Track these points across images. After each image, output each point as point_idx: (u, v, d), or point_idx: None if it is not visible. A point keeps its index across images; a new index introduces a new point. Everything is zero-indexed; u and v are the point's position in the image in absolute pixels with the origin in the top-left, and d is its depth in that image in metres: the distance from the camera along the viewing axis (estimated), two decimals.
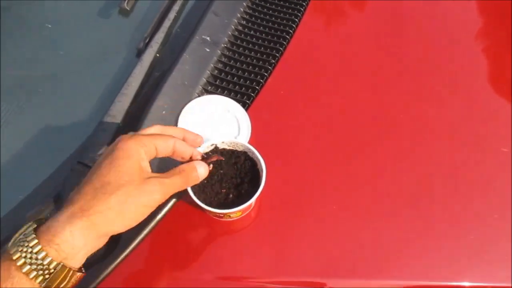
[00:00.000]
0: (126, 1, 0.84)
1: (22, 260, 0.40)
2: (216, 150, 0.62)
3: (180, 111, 0.70)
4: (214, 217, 0.62)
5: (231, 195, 0.59)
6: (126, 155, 0.46)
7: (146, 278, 0.59)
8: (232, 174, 0.61)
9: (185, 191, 0.56)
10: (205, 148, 0.61)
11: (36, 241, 0.40)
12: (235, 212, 0.57)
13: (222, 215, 0.59)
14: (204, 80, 0.76)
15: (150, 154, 0.49)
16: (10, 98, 0.74)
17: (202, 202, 0.56)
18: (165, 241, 0.61)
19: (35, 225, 0.42)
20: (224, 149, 0.62)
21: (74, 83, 0.78)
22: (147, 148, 0.48)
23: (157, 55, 0.77)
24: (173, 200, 0.63)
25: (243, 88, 0.76)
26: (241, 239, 0.62)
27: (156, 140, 0.49)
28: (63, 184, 0.60)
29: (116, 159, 0.45)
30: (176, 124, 0.69)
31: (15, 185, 0.64)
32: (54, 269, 0.40)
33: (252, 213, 0.64)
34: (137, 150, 0.47)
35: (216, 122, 0.71)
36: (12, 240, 0.42)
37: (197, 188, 0.58)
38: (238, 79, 0.77)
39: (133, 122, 0.68)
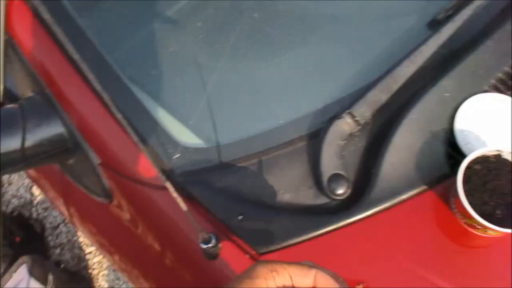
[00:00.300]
0: None
1: None
2: (498, 159, 0.54)
3: (464, 100, 0.64)
4: (465, 225, 0.56)
5: (498, 211, 0.52)
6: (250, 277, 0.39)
7: (373, 252, 0.57)
8: (507, 190, 0.52)
9: None
10: (486, 151, 0.54)
11: None
12: (497, 230, 0.50)
13: (480, 227, 0.52)
14: (500, 75, 0.66)
15: (280, 281, 0.39)
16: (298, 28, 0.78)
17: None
18: (403, 227, 0.58)
19: None
20: (507, 160, 0.54)
21: (355, 32, 0.77)
22: (277, 273, 0.39)
23: (454, 32, 0.70)
24: None
25: None
26: (486, 257, 0.55)
27: (291, 268, 0.39)
28: (319, 134, 0.62)
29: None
30: (454, 114, 0.63)
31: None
32: None
33: None
34: (263, 274, 0.39)
35: (502, 126, 0.62)
36: None
37: (467, 188, 0.53)
38: None
39: (408, 90, 0.64)
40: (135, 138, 0.64)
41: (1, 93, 0.76)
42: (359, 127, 0.61)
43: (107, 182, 0.70)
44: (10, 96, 0.80)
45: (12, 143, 0.70)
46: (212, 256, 0.59)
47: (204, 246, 0.58)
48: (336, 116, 0.61)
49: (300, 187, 0.62)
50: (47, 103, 0.72)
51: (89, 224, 0.86)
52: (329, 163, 0.59)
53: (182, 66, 0.71)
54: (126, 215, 0.71)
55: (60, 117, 0.72)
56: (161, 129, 0.65)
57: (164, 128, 0.65)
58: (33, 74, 0.72)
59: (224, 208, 0.61)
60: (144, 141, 0.64)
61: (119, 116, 0.64)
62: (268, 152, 0.64)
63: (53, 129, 0.72)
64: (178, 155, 0.64)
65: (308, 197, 0.62)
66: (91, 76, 0.65)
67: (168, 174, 0.63)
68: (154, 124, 0.65)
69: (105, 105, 0.65)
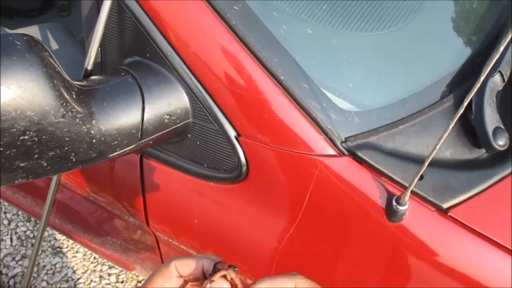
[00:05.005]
0: None
1: None
2: None
3: None
4: None
5: None
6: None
7: None
8: None
9: None
10: None
11: None
12: None
13: None
14: None
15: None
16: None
17: None
18: None
19: None
20: None
21: None
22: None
23: None
24: None
25: None
26: None
27: (156, 283, 0.42)
28: None
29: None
30: None
31: None
32: None
33: None
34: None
35: None
36: None
37: None
38: None
39: None
40: (299, 105, 0.59)
41: (92, 59, 0.61)
42: (503, 84, 0.67)
43: (244, 156, 0.63)
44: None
45: (132, 118, 0.58)
46: (400, 217, 0.59)
47: (401, 208, 0.57)
48: (490, 75, 0.65)
49: (456, 143, 0.65)
50: (168, 70, 0.61)
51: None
52: (491, 118, 0.64)
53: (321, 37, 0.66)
54: (267, 188, 0.65)
55: (183, 85, 0.61)
56: (322, 93, 0.61)
57: (324, 92, 0.61)
58: (145, 35, 0.60)
59: (400, 169, 0.60)
60: (305, 108, 0.59)
61: (282, 80, 0.58)
62: (422, 113, 0.65)
63: (175, 100, 0.61)
64: (342, 119, 0.61)
65: (464, 152, 0.65)
66: (246, 37, 0.58)
67: (333, 139, 0.60)
68: (315, 89, 0.60)
69: (264, 68, 0.58)
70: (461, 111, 0.47)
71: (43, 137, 0.50)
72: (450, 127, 0.46)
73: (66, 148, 0.52)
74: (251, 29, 0.58)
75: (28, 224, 1.73)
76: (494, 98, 0.65)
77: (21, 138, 0.48)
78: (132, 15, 0.59)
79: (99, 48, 0.62)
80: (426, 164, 0.51)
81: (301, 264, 0.67)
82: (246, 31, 0.58)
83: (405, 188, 0.56)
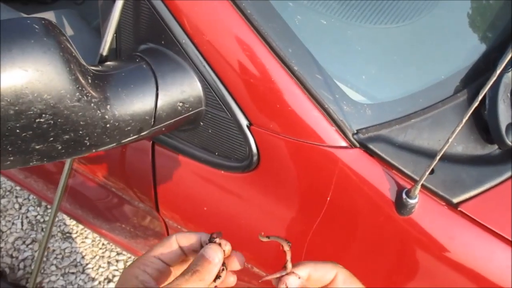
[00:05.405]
0: None
1: None
2: None
3: None
4: None
5: None
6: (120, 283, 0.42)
7: None
8: None
9: None
10: None
11: None
12: None
13: None
14: None
15: (152, 267, 0.43)
16: None
17: None
18: None
19: None
20: None
21: None
22: (144, 265, 0.43)
23: None
24: None
25: None
26: None
27: (155, 251, 0.44)
28: None
29: None
30: None
31: None
32: None
33: None
34: (131, 275, 0.42)
35: None
36: None
37: None
38: None
39: None
40: (311, 95, 0.59)
41: (107, 45, 0.61)
42: None
43: (255, 145, 0.63)
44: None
45: (146, 105, 0.58)
46: (410, 211, 0.59)
47: (411, 201, 0.58)
48: (505, 71, 0.65)
49: (468, 139, 0.65)
50: (182, 57, 0.61)
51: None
52: (505, 114, 0.63)
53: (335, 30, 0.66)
54: (277, 178, 0.65)
55: (197, 73, 0.62)
56: (334, 84, 0.61)
57: (337, 84, 0.61)
58: (161, 22, 0.60)
59: (411, 162, 0.60)
60: (318, 99, 0.59)
61: (295, 71, 0.58)
62: (435, 107, 0.65)
63: (188, 87, 0.62)
64: (354, 111, 0.61)
65: (476, 148, 0.65)
66: (261, 26, 0.58)
67: (344, 131, 0.60)
68: (328, 80, 0.60)
69: (278, 58, 0.58)
70: (475, 105, 0.47)
71: (59, 120, 0.51)
72: (464, 121, 0.46)
73: (80, 132, 0.53)
74: (266, 19, 0.58)
75: (38, 209, 1.76)
76: (509, 94, 0.65)
77: (37, 120, 0.49)
78: (148, 2, 0.60)
79: (115, 35, 0.62)
80: (438, 158, 0.51)
81: (309, 254, 0.67)
82: (261, 21, 0.58)
83: (415, 181, 0.56)
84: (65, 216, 1.72)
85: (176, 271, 0.44)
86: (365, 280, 0.66)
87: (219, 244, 0.42)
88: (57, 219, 1.74)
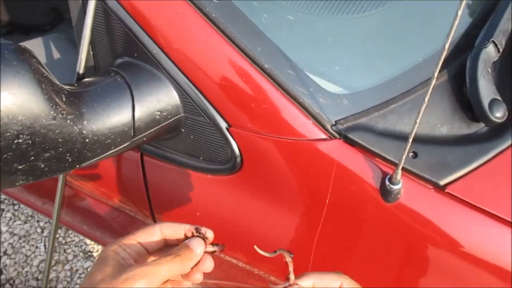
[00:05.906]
0: None
1: None
2: None
3: None
4: None
5: None
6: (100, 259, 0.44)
7: None
8: None
9: None
10: None
11: None
12: None
13: None
14: None
15: (132, 249, 0.45)
16: None
17: None
18: None
19: None
20: None
21: None
22: (124, 244, 0.45)
23: None
24: None
25: None
26: None
27: (138, 236, 0.46)
28: None
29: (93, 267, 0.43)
30: None
31: None
32: None
33: None
34: (111, 250, 0.44)
35: None
36: None
37: None
38: None
39: None
40: (285, 92, 0.59)
41: (82, 63, 0.63)
42: (499, 54, 0.65)
43: (237, 146, 0.64)
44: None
45: (123, 117, 0.60)
46: (395, 197, 0.58)
47: (394, 187, 0.57)
48: (481, 46, 0.63)
49: (452, 119, 0.64)
50: (156, 67, 0.62)
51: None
52: (487, 89, 0.62)
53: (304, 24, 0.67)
54: (262, 177, 0.65)
55: (171, 81, 0.63)
56: (308, 78, 0.61)
57: (310, 77, 0.61)
58: (131, 36, 0.62)
59: (393, 148, 0.59)
60: (292, 94, 0.59)
61: (266, 68, 0.59)
62: (415, 91, 0.64)
63: (165, 96, 0.63)
64: (330, 102, 0.61)
65: (461, 127, 0.64)
66: (228, 29, 0.58)
67: (322, 123, 0.60)
68: (301, 74, 0.60)
69: (248, 58, 0.59)
70: (434, 80, 0.46)
71: (37, 139, 0.52)
72: (426, 99, 0.45)
73: (60, 149, 0.55)
74: (231, 21, 0.59)
75: (59, 231, 1.80)
76: (489, 70, 0.63)
77: (15, 141, 0.51)
78: (117, 17, 0.61)
79: (92, 52, 0.64)
80: (410, 140, 0.50)
81: (301, 250, 0.67)
82: (227, 23, 0.59)
83: (396, 166, 0.55)
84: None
85: (154, 258, 0.46)
86: (358, 271, 0.65)
87: (204, 238, 0.47)
88: (77, 239, 1.79)
